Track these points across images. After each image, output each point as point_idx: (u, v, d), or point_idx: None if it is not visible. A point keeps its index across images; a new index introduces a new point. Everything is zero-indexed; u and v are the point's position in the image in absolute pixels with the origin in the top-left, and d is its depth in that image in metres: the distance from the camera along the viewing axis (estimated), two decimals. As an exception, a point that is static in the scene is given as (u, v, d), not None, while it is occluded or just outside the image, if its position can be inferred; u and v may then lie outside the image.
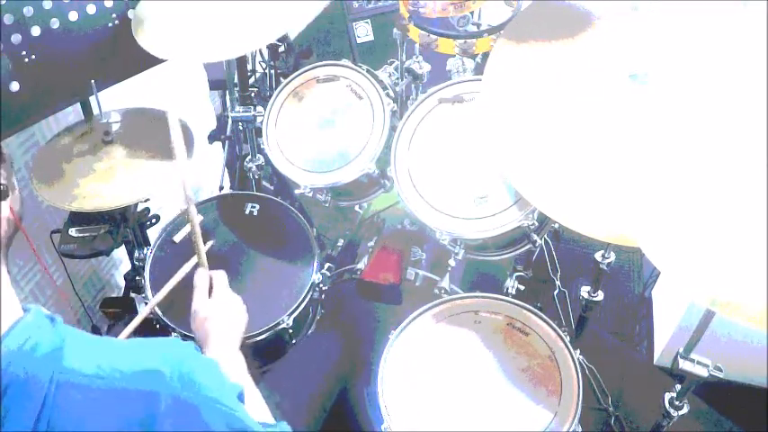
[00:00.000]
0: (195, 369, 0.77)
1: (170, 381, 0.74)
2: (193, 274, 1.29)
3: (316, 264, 1.57)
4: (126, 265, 1.98)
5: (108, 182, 1.43)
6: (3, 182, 0.76)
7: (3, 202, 0.75)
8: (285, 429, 0.93)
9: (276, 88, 1.72)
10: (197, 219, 1.30)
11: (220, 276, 1.25)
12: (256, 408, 1.03)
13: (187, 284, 1.34)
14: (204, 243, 1.41)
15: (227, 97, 2.48)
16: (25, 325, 0.70)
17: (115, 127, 1.48)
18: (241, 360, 1.13)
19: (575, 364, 1.30)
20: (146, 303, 1.51)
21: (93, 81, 1.44)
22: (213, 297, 1.21)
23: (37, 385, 0.66)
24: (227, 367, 1.08)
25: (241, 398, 0.84)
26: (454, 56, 1.64)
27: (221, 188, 2.40)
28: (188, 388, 0.75)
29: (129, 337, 1.27)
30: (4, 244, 0.76)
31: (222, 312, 1.19)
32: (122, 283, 1.89)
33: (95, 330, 1.86)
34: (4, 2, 1.28)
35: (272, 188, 2.21)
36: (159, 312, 1.47)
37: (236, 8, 1.44)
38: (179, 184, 1.22)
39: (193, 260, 1.34)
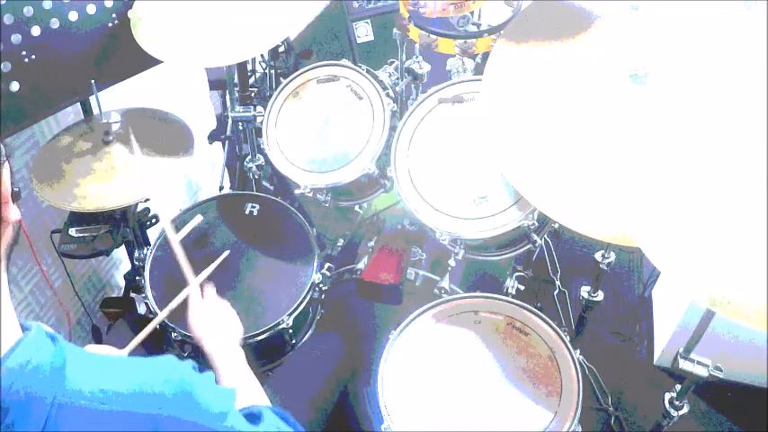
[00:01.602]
0: (195, 389, 0.78)
1: (171, 402, 0.74)
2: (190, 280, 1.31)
3: (316, 264, 1.57)
4: (126, 265, 1.98)
5: (108, 182, 1.43)
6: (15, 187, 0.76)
7: (13, 206, 0.74)
8: (273, 422, 0.94)
9: (276, 88, 1.72)
10: (177, 240, 1.31)
11: (210, 290, 1.28)
12: (255, 394, 1.07)
13: (185, 283, 1.35)
14: (218, 254, 1.43)
15: (227, 97, 2.47)
16: (27, 344, 0.69)
17: (115, 127, 1.48)
18: (241, 353, 1.16)
19: (575, 364, 1.30)
20: (146, 303, 1.51)
21: (93, 81, 1.44)
22: (205, 300, 1.24)
23: (39, 406, 0.66)
24: (227, 366, 1.10)
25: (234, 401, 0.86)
26: (454, 56, 1.64)
27: (221, 188, 2.40)
28: (189, 408, 0.76)
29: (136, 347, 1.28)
30: (6, 253, 0.75)
31: (215, 312, 1.22)
32: (122, 283, 1.89)
33: (95, 330, 1.86)
34: (4, 2, 1.28)
35: (272, 188, 2.21)
36: (159, 312, 1.47)
37: (237, 14, 1.45)
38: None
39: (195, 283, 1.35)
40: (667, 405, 1.31)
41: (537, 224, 1.39)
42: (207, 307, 1.23)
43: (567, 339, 1.34)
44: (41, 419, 0.66)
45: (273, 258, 1.60)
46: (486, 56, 1.42)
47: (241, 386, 1.05)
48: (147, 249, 1.61)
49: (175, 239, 1.32)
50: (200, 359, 1.08)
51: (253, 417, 0.90)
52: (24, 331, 0.71)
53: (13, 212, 0.74)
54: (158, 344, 1.50)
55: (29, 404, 0.66)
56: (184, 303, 1.28)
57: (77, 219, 1.50)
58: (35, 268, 1.70)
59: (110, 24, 1.48)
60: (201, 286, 1.27)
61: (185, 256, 1.30)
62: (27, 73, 1.36)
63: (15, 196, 0.74)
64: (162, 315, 1.33)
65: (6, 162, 0.73)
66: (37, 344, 0.70)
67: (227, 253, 1.50)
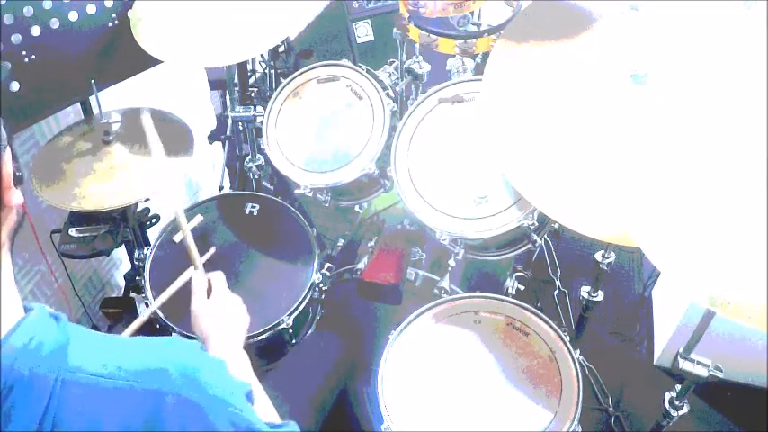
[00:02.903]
0: (200, 368, 0.77)
1: (174, 379, 0.73)
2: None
3: (316, 264, 1.57)
4: (126, 265, 1.98)
5: (108, 182, 1.43)
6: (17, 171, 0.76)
7: (17, 190, 0.74)
8: (293, 429, 0.93)
9: (276, 88, 1.72)
10: (187, 224, 1.28)
11: (218, 278, 1.25)
12: (263, 407, 1.04)
13: (187, 285, 1.34)
14: (206, 250, 1.40)
15: (227, 97, 2.47)
16: (30, 323, 0.69)
17: (115, 127, 1.48)
18: (245, 359, 1.14)
19: (575, 364, 1.30)
20: (146, 304, 1.51)
21: (93, 81, 1.44)
22: (212, 297, 1.21)
23: (42, 384, 0.66)
24: (231, 366, 1.09)
25: (249, 397, 0.84)
26: (454, 56, 1.64)
27: (221, 188, 2.40)
28: (192, 387, 0.75)
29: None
30: (10, 238, 0.75)
31: (221, 311, 1.19)
32: (122, 283, 1.89)
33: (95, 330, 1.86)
34: (3, 2, 1.28)
35: (272, 188, 2.21)
36: (160, 313, 1.47)
37: (237, 14, 1.45)
38: (164, 189, 1.21)
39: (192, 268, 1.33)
40: (667, 405, 1.31)
41: (537, 224, 1.39)
42: (213, 305, 1.19)
43: (567, 339, 1.34)
44: (45, 396, 0.66)
45: (273, 258, 1.60)
46: (486, 56, 1.42)
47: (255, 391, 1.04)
48: (147, 249, 1.61)
49: (187, 228, 1.28)
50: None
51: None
52: (27, 312, 0.72)
53: (16, 197, 0.74)
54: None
55: (32, 382, 0.66)
56: (185, 301, 1.27)
57: (77, 219, 1.50)
58: (35, 268, 1.70)
59: (110, 24, 1.48)
60: (209, 280, 1.23)
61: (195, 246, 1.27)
62: (27, 73, 1.36)
63: (18, 181, 0.74)
64: (157, 303, 1.32)
65: (8, 147, 0.73)
66: (40, 323, 0.70)
67: (212, 250, 1.47)
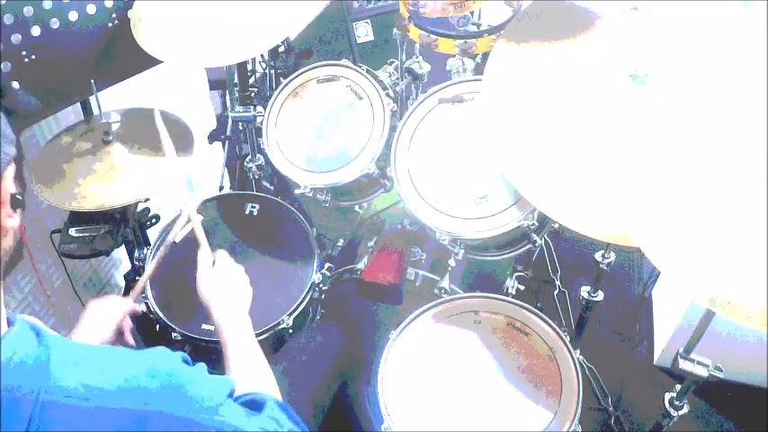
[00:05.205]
0: (184, 381, 0.77)
1: (157, 397, 0.73)
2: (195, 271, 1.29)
3: (316, 264, 1.57)
4: (126, 265, 1.98)
5: (108, 182, 1.43)
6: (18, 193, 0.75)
7: (15, 214, 0.73)
8: (274, 413, 0.93)
9: (276, 88, 1.72)
10: (197, 217, 1.30)
11: (222, 254, 1.27)
12: (262, 377, 1.05)
13: (186, 282, 1.34)
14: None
15: (227, 97, 2.47)
16: (10, 339, 0.68)
17: (115, 127, 1.48)
18: (248, 324, 1.16)
19: (575, 364, 1.30)
20: (146, 303, 1.51)
21: (93, 81, 1.44)
22: (216, 267, 1.23)
23: (23, 404, 0.66)
24: (235, 338, 1.08)
25: (231, 393, 0.84)
26: (454, 56, 1.64)
27: (221, 188, 2.40)
28: (177, 402, 0.75)
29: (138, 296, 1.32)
30: (5, 260, 0.74)
31: (225, 279, 1.21)
32: (122, 283, 1.89)
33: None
34: (3, 2, 1.28)
35: (272, 188, 2.21)
36: (159, 312, 1.47)
37: (237, 14, 1.45)
38: (175, 181, 1.23)
39: (181, 221, 1.33)
40: (667, 405, 1.31)
41: (537, 224, 1.39)
42: (217, 272, 1.21)
43: (567, 339, 1.34)
44: (25, 418, 0.65)
45: (273, 258, 1.61)
46: (486, 56, 1.42)
47: (248, 362, 1.05)
48: (147, 249, 1.61)
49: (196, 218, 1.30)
50: (199, 357, 1.08)
51: (255, 404, 0.89)
52: (9, 326, 0.71)
53: (12, 220, 0.72)
54: (159, 344, 1.50)
55: (12, 402, 0.65)
56: (186, 302, 1.27)
57: (77, 219, 1.50)
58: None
59: (110, 24, 1.48)
60: (213, 251, 1.25)
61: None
62: (27, 73, 1.36)
63: (16, 203, 0.73)
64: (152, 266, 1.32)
65: (12, 164, 0.72)
66: (20, 338, 0.69)
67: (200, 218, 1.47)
